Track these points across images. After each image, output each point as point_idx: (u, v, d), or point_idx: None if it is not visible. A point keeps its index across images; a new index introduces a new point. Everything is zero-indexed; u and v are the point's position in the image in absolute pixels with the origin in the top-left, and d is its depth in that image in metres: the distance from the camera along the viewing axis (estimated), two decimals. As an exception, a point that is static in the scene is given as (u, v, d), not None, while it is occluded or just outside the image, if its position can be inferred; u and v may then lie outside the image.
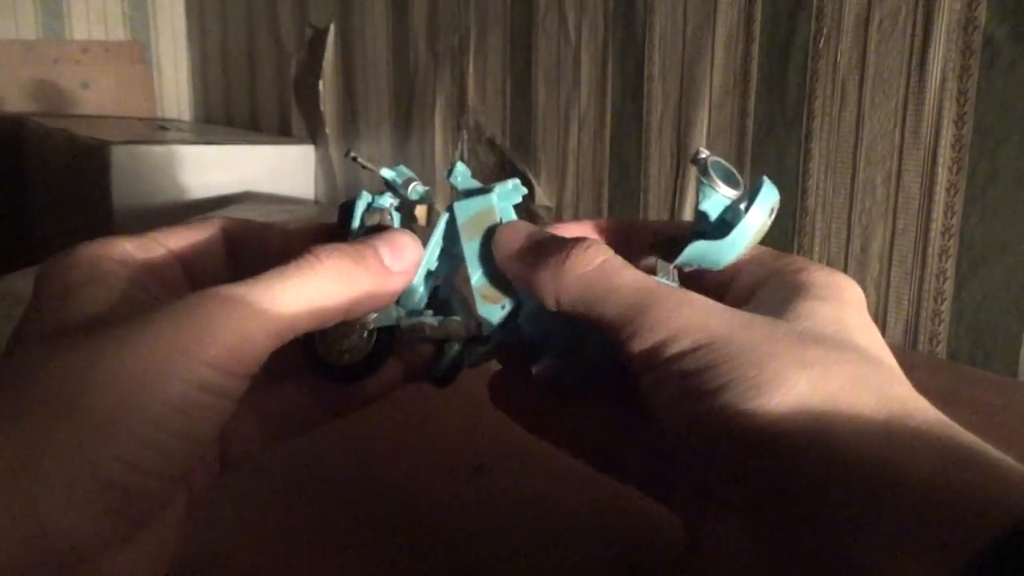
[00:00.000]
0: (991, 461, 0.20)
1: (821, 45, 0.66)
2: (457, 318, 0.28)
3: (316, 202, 1.29)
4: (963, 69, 0.58)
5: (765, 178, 0.27)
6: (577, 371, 0.28)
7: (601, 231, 0.30)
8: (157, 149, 1.13)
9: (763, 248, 0.28)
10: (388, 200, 0.29)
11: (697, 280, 0.28)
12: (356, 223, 0.28)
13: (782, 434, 0.21)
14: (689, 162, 0.77)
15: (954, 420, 0.21)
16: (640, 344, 0.23)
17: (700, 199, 0.27)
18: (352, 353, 0.27)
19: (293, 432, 0.28)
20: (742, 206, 0.26)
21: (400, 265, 0.26)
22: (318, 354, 0.27)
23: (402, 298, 0.28)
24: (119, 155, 1.08)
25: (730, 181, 0.27)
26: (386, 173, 0.29)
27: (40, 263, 0.25)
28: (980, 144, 0.58)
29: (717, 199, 0.27)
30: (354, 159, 0.30)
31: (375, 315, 0.27)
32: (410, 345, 0.28)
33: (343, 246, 0.25)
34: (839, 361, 0.22)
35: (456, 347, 0.29)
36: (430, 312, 0.28)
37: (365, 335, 0.27)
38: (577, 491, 0.32)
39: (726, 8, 0.72)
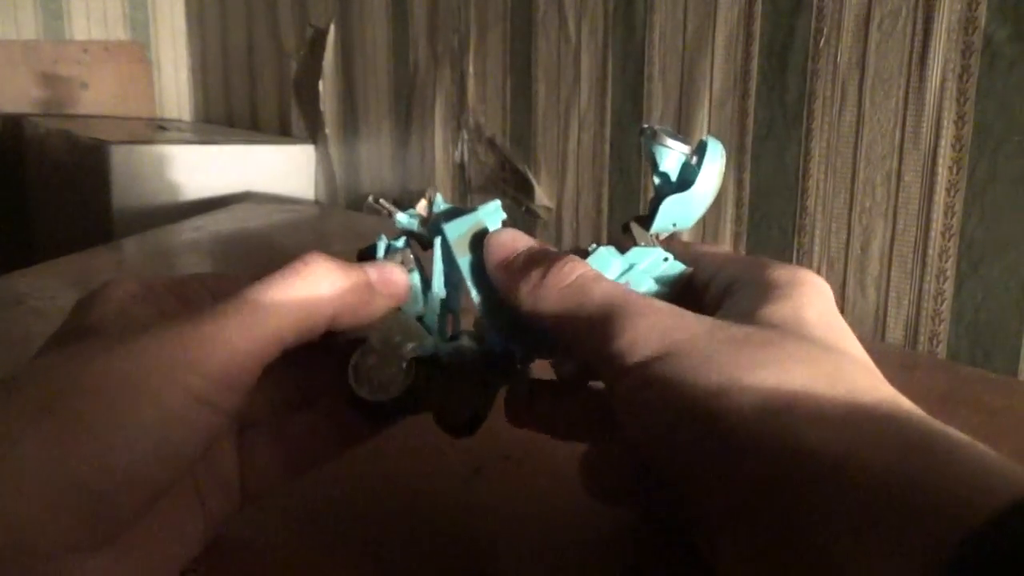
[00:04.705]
0: (954, 449, 0.20)
1: (821, 45, 0.66)
2: (490, 341, 0.29)
3: (316, 202, 1.29)
4: (963, 69, 0.58)
5: (707, 135, 0.29)
6: None
7: None
8: (157, 149, 1.13)
9: (731, 253, 0.29)
10: (403, 242, 0.30)
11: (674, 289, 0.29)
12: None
13: (745, 434, 0.21)
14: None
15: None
16: (605, 349, 0.24)
17: (658, 163, 0.29)
18: (392, 387, 0.27)
19: (313, 463, 0.29)
20: (693, 162, 0.28)
21: (386, 289, 0.27)
22: (357, 393, 0.27)
23: (426, 321, 0.29)
24: (119, 155, 1.08)
25: (679, 139, 0.29)
26: (401, 219, 0.30)
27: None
28: (980, 144, 0.58)
29: (673, 156, 0.29)
30: (378, 201, 0.31)
31: (411, 345, 0.27)
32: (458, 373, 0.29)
33: (332, 257, 0.26)
34: (800, 359, 0.22)
35: (497, 383, 0.29)
36: (467, 336, 0.29)
37: (404, 366, 0.27)
38: (576, 491, 0.32)
39: (726, 8, 0.72)
